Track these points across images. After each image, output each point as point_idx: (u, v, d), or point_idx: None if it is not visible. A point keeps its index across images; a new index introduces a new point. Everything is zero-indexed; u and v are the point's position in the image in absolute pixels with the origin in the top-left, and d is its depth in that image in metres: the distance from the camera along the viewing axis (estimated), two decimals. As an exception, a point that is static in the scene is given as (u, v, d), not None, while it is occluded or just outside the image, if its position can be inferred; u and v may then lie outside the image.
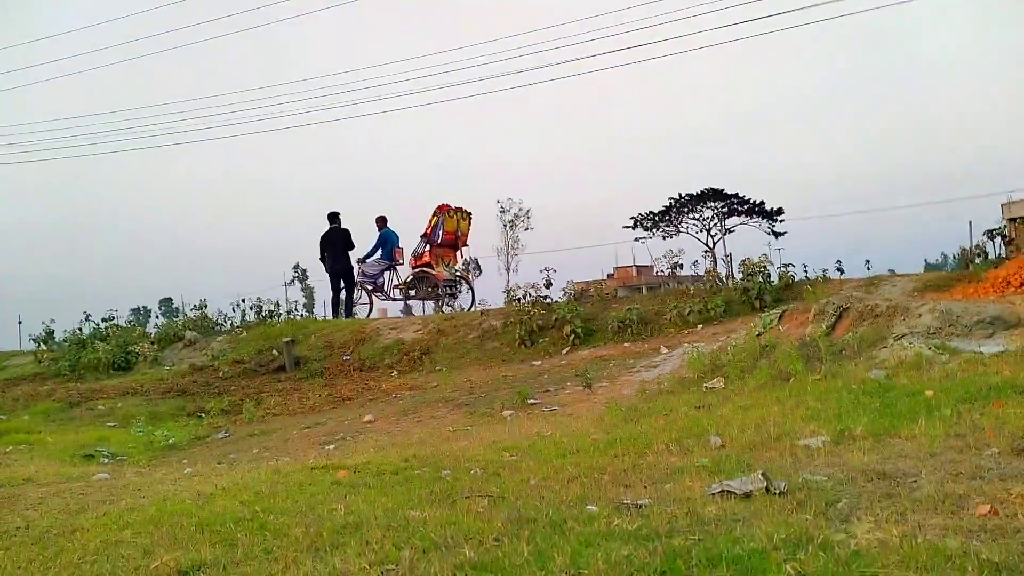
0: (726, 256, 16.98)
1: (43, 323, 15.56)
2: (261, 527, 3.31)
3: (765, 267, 10.70)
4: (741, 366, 7.08)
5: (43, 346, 15.06)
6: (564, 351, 10.46)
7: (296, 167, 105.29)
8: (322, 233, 14.45)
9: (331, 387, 10.32)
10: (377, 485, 4.12)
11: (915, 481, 3.28)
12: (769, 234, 40.73)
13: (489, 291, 58.16)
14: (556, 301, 11.68)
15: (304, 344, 12.20)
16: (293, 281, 56.34)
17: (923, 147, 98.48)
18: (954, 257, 21.23)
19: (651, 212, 42.75)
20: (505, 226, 47.60)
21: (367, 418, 7.97)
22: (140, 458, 7.41)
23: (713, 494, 3.34)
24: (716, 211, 42.06)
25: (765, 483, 3.30)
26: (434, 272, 14.50)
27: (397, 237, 14.98)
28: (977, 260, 10.90)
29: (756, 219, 42.09)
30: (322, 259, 14.46)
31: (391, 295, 15.03)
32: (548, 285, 11.86)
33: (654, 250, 50.59)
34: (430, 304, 15.11)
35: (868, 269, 12.35)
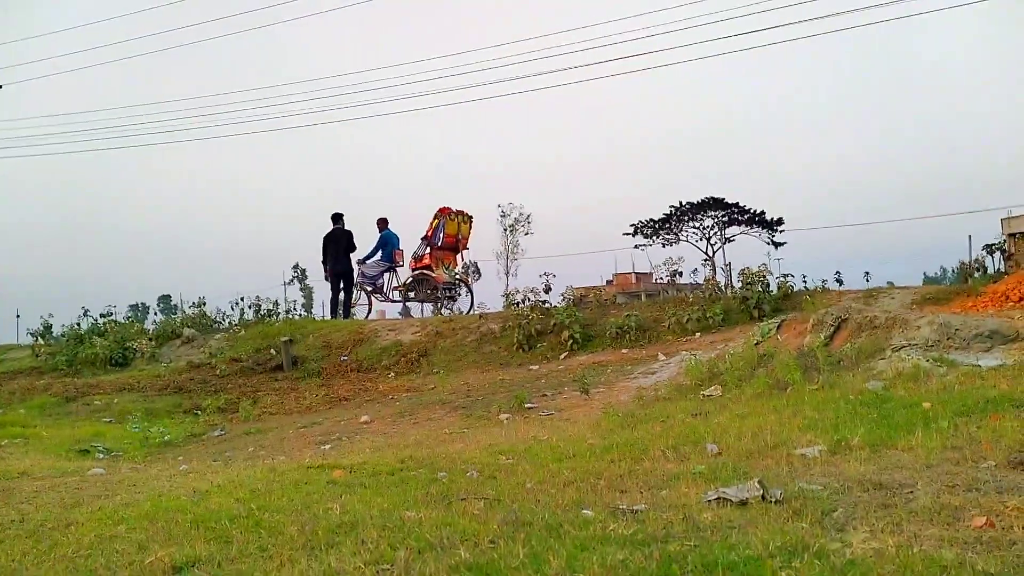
0: (725, 265, 16.97)
1: (41, 317, 15.62)
2: (256, 524, 3.31)
3: (764, 277, 10.73)
4: (739, 374, 7.09)
5: (41, 340, 15.06)
6: (562, 356, 10.47)
7: (296, 167, 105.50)
8: (325, 233, 14.49)
9: (328, 387, 10.31)
10: (373, 485, 4.12)
11: (911, 492, 3.28)
12: (769, 244, 40.77)
13: (488, 295, 58.28)
14: (555, 306, 11.69)
15: (302, 344, 12.20)
16: (292, 281, 56.32)
17: (924, 160, 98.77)
18: (953, 271, 21.28)
19: (651, 220, 42.81)
20: (505, 230, 47.65)
21: (364, 419, 7.97)
22: (136, 454, 7.41)
23: (709, 501, 3.34)
24: (716, 220, 42.08)
25: (761, 491, 3.30)
26: (434, 275, 14.52)
27: (398, 239, 15.02)
28: (976, 274, 10.90)
29: (756, 229, 42.11)
30: (324, 259, 14.48)
31: (390, 297, 15.05)
32: (547, 290, 11.89)
33: (654, 257, 50.58)
34: (429, 306, 15.12)
35: (867, 281, 12.37)
